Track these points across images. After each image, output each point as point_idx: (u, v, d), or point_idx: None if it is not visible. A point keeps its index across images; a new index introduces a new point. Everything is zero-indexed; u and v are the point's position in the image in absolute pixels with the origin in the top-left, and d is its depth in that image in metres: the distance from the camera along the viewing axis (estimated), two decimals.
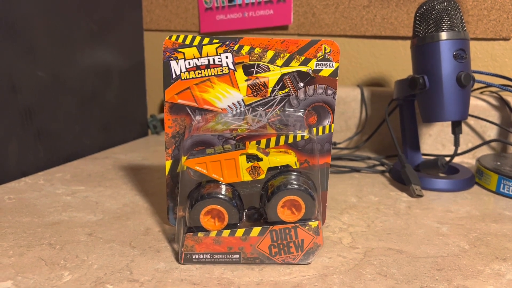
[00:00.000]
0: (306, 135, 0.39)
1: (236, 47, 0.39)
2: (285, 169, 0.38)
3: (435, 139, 0.74)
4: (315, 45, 0.39)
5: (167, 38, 0.39)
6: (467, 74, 0.55)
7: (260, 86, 0.40)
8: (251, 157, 0.37)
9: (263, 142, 0.39)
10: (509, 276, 0.36)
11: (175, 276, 0.35)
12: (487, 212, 0.50)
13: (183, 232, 0.37)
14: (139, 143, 0.80)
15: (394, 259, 0.39)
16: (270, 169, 0.37)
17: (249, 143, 0.38)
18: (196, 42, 0.39)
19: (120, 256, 0.38)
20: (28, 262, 0.36)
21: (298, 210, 0.37)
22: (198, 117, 0.40)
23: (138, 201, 0.51)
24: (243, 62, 0.40)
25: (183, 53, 0.39)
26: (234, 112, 0.40)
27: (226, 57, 0.39)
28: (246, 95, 0.40)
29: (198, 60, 0.39)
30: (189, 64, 0.40)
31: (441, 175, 0.61)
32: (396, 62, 0.79)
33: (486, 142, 0.66)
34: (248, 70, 0.40)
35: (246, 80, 0.40)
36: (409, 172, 0.57)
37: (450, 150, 0.73)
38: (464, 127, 0.72)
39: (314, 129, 0.41)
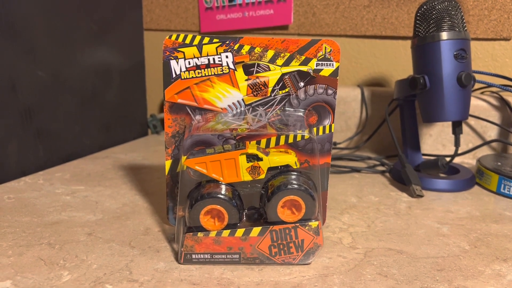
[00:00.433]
0: (307, 135, 0.38)
1: (236, 47, 0.39)
2: (285, 169, 0.38)
3: (435, 139, 0.74)
4: (315, 45, 0.39)
5: (167, 37, 0.39)
6: (467, 74, 0.55)
7: (260, 86, 0.40)
8: (251, 157, 0.37)
9: (263, 142, 0.39)
10: (510, 277, 0.36)
11: (174, 276, 0.35)
12: (488, 213, 0.50)
13: (182, 232, 0.37)
14: (139, 143, 0.80)
15: (394, 260, 0.38)
16: (270, 169, 0.37)
17: (249, 143, 0.38)
18: (196, 42, 0.39)
19: (120, 256, 0.38)
20: (27, 262, 0.36)
21: (298, 210, 0.37)
22: (198, 117, 0.40)
23: (138, 200, 0.51)
24: (243, 61, 0.40)
25: (183, 52, 0.39)
26: (234, 112, 0.40)
27: (226, 57, 0.39)
28: (246, 95, 0.40)
29: (198, 59, 0.39)
30: (189, 64, 0.39)
31: (442, 175, 0.61)
32: (397, 62, 0.79)
33: (486, 143, 0.66)
34: (248, 70, 0.40)
35: (246, 80, 0.40)
36: (410, 172, 0.57)
37: (450, 150, 0.73)
38: (464, 127, 0.72)
39: (315, 129, 0.41)
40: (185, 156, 0.37)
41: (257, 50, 0.39)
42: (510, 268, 0.38)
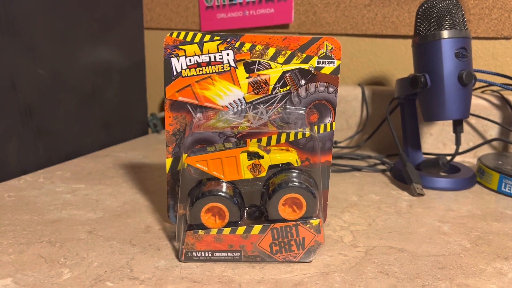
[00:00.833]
0: (307, 133, 0.38)
1: (237, 44, 0.39)
2: (286, 167, 0.38)
3: (436, 138, 0.73)
4: (316, 43, 0.39)
5: (168, 35, 0.39)
6: (468, 73, 0.55)
7: (261, 84, 0.40)
8: (252, 155, 0.37)
9: (264, 139, 0.39)
10: (511, 275, 0.36)
11: (175, 274, 0.35)
12: (489, 211, 0.50)
13: (183, 230, 0.37)
14: (139, 142, 0.80)
15: (395, 258, 0.38)
16: (271, 167, 0.37)
17: (250, 141, 0.38)
18: (197, 39, 0.39)
19: (120, 254, 0.38)
20: (28, 260, 0.36)
21: (299, 208, 0.37)
22: (199, 115, 0.40)
23: (139, 199, 0.51)
24: (244, 59, 0.40)
25: (184, 50, 0.39)
26: (235, 110, 0.40)
27: (227, 54, 0.39)
28: (247, 93, 0.40)
29: (199, 57, 0.39)
30: (190, 61, 0.39)
31: (442, 174, 0.61)
32: (397, 61, 0.79)
33: (487, 141, 0.66)
34: (249, 68, 0.40)
35: (247, 78, 0.40)
36: (410, 171, 0.57)
37: (451, 149, 0.73)
38: (465, 126, 0.72)
39: (316, 126, 0.41)
40: (186, 154, 0.37)
41: (258, 48, 0.39)
42: (511, 266, 0.38)
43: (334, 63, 0.40)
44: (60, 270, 0.35)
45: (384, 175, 0.63)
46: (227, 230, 0.36)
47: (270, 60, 0.40)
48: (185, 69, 0.39)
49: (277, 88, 0.40)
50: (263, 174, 0.37)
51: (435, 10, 0.55)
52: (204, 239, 0.36)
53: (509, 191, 0.55)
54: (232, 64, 0.39)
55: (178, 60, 0.39)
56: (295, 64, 0.40)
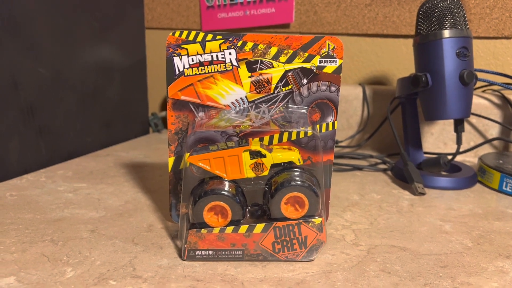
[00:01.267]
0: (310, 132, 0.38)
1: (239, 44, 0.39)
2: (289, 166, 0.38)
3: (437, 138, 0.74)
4: (318, 42, 0.39)
5: (171, 34, 0.39)
6: (469, 72, 0.55)
7: (264, 83, 0.40)
8: (255, 154, 0.37)
9: (266, 138, 0.39)
10: None
11: (178, 272, 0.35)
12: (490, 210, 0.50)
13: (186, 228, 0.37)
14: (141, 141, 0.80)
15: (397, 256, 0.38)
16: (273, 165, 0.37)
17: (252, 140, 0.38)
18: (199, 38, 0.39)
19: (123, 253, 0.38)
20: (30, 258, 0.36)
21: (301, 207, 0.37)
22: (201, 114, 0.40)
23: (140, 198, 0.51)
24: (246, 58, 0.40)
25: (187, 49, 0.39)
26: (237, 109, 0.40)
27: (230, 54, 0.39)
28: (250, 92, 0.40)
29: (201, 56, 0.39)
30: (192, 61, 0.39)
31: (443, 173, 0.61)
32: (398, 61, 0.79)
33: (488, 141, 0.66)
34: (251, 67, 0.40)
35: (249, 77, 0.40)
36: (411, 170, 0.57)
37: (452, 148, 0.73)
38: (466, 126, 0.72)
39: (318, 126, 0.41)
40: (189, 153, 0.37)
41: (260, 47, 0.39)
42: None
43: (336, 62, 0.40)
44: (63, 269, 0.35)
45: (385, 174, 0.63)
46: (229, 229, 0.36)
47: (272, 59, 0.40)
48: (187, 68, 0.40)
49: (279, 87, 0.40)
50: (266, 173, 0.37)
51: (436, 10, 0.55)
52: (207, 238, 0.36)
53: (510, 190, 0.55)
54: (234, 63, 0.40)
55: (181, 59, 0.39)
56: (297, 63, 0.40)
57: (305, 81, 0.40)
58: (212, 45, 0.39)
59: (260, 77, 0.40)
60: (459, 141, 0.58)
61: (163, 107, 0.95)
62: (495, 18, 0.72)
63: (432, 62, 0.56)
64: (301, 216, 0.37)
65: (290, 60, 0.40)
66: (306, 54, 0.40)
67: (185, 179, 0.38)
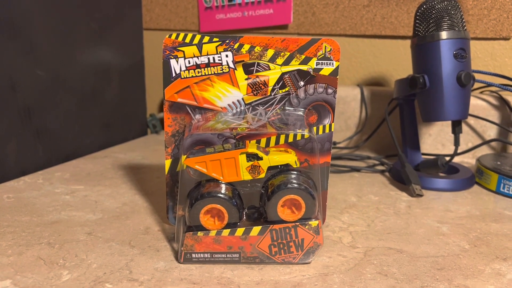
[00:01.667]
0: (306, 134, 0.38)
1: (236, 46, 0.39)
2: (285, 168, 0.38)
3: (435, 139, 0.74)
4: (315, 44, 0.39)
5: (167, 36, 0.39)
6: (467, 74, 0.55)
7: (260, 85, 0.40)
8: (251, 156, 0.37)
9: (263, 141, 0.39)
10: (510, 276, 0.36)
11: (174, 275, 0.35)
12: (487, 212, 0.50)
13: (182, 231, 0.37)
14: (139, 142, 0.80)
15: (394, 259, 0.38)
16: (270, 168, 0.37)
17: (249, 142, 0.38)
18: (196, 41, 0.39)
19: (120, 255, 0.38)
20: (27, 261, 0.36)
21: (298, 209, 0.37)
22: (198, 116, 0.40)
23: (138, 200, 0.51)
24: (243, 60, 0.40)
25: (183, 51, 0.39)
26: (234, 111, 0.40)
27: (226, 56, 0.39)
28: (246, 94, 0.40)
29: (198, 58, 0.39)
30: (189, 63, 0.39)
31: (441, 174, 0.61)
32: (396, 62, 0.79)
33: (486, 142, 0.66)
34: (248, 69, 0.40)
35: (246, 79, 0.40)
36: (409, 171, 0.57)
37: (450, 149, 0.73)
38: (464, 127, 0.72)
39: (314, 128, 0.41)
40: (185, 155, 0.37)
41: (257, 49, 0.39)
42: (510, 267, 0.38)
43: (333, 64, 0.40)
44: (59, 272, 0.35)
45: (383, 175, 0.63)
46: (226, 232, 0.36)
47: (269, 61, 0.40)
48: (184, 71, 0.39)
49: (276, 90, 0.40)
50: (262, 175, 0.37)
51: (434, 11, 0.55)
52: (203, 241, 0.36)
53: (507, 192, 0.55)
54: (231, 65, 0.40)
55: (177, 61, 0.39)
56: (294, 66, 0.40)
57: (302, 83, 0.40)
58: (208, 47, 0.39)
59: (257, 79, 0.40)
60: (457, 143, 0.58)
61: (161, 108, 0.95)
62: (493, 19, 0.72)
63: (430, 63, 0.56)
64: (298, 219, 0.37)
65: (287, 62, 0.40)
66: (303, 56, 0.40)
67: (181, 182, 0.38)
